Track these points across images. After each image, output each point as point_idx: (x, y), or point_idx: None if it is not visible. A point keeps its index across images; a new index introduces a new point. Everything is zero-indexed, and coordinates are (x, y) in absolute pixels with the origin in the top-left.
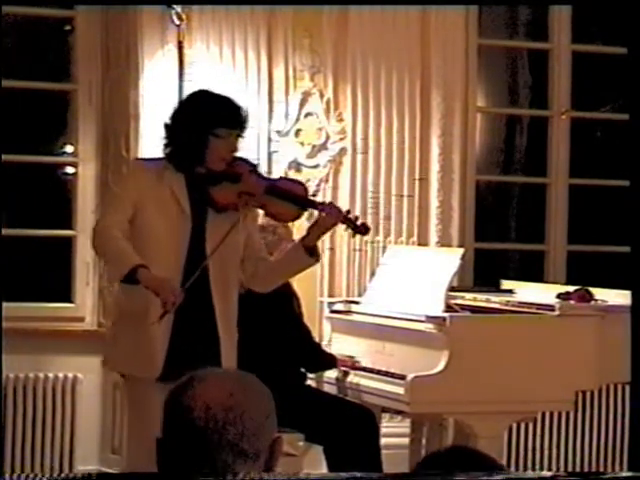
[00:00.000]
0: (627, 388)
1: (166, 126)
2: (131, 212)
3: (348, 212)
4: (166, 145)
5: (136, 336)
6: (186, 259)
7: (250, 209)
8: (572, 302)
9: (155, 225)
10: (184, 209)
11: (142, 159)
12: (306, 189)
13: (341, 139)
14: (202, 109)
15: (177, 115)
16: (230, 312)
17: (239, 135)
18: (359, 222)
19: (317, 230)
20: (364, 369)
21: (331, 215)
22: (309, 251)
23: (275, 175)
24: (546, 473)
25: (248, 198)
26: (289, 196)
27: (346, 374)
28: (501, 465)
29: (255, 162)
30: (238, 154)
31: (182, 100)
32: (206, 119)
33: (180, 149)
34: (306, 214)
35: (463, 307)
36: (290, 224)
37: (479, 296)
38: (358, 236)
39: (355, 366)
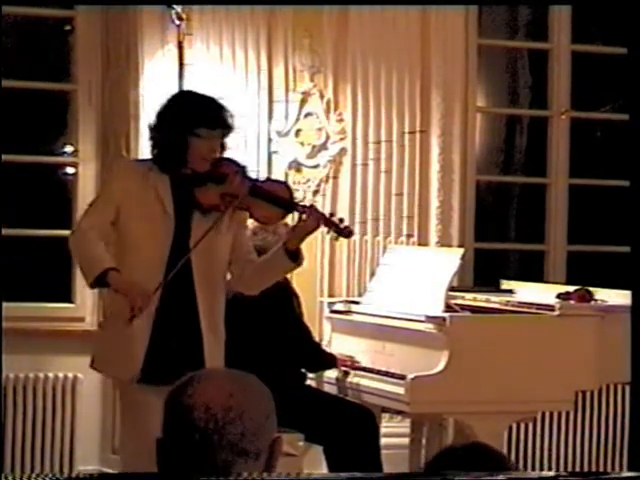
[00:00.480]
0: (627, 388)
1: (150, 127)
2: (114, 213)
3: (332, 215)
4: (152, 146)
5: (116, 337)
6: (169, 260)
7: (235, 210)
8: (572, 302)
9: (138, 226)
10: (167, 210)
11: (129, 160)
12: (290, 191)
13: (341, 139)
14: (182, 109)
15: (159, 116)
16: (215, 313)
17: (224, 135)
18: (343, 225)
19: (298, 233)
20: (364, 369)
21: (312, 219)
22: (291, 255)
23: (275, 176)
24: (548, 473)
25: (231, 199)
26: (272, 198)
27: (346, 374)
28: (516, 466)
29: (243, 164)
30: (239, 154)
31: (165, 101)
32: (186, 119)
33: (162, 150)
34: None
35: (463, 307)
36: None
37: (479, 296)
38: (358, 236)
39: (355, 366)
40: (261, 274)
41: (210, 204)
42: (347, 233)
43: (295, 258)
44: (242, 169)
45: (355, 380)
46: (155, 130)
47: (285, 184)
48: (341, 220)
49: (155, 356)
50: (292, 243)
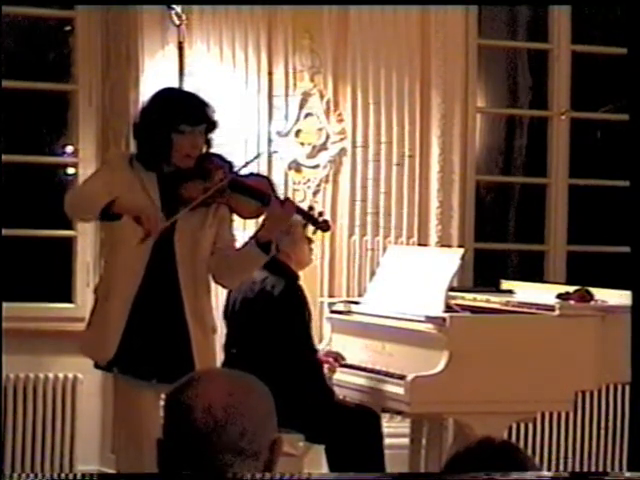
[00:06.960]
0: (627, 388)
1: (134, 125)
2: (107, 196)
3: (311, 208)
4: (137, 144)
5: (95, 319)
6: (152, 254)
7: (219, 206)
8: (572, 302)
9: (126, 219)
10: (154, 201)
11: (121, 152)
12: (271, 185)
13: (341, 139)
14: (165, 107)
15: (143, 114)
16: (201, 306)
17: (208, 131)
18: (321, 219)
19: (269, 224)
20: (364, 369)
21: (285, 209)
22: (263, 247)
23: (275, 176)
24: (546, 473)
25: (212, 194)
26: (250, 192)
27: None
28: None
29: (228, 159)
30: (239, 154)
31: (148, 99)
32: (169, 116)
33: (146, 147)
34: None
35: (463, 307)
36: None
37: (479, 296)
38: (358, 236)
39: (339, 362)
40: (234, 267)
41: (192, 199)
42: (325, 227)
43: (267, 250)
44: (227, 164)
45: (355, 380)
46: (139, 128)
47: (267, 178)
48: (320, 214)
49: (131, 343)
50: (263, 235)
